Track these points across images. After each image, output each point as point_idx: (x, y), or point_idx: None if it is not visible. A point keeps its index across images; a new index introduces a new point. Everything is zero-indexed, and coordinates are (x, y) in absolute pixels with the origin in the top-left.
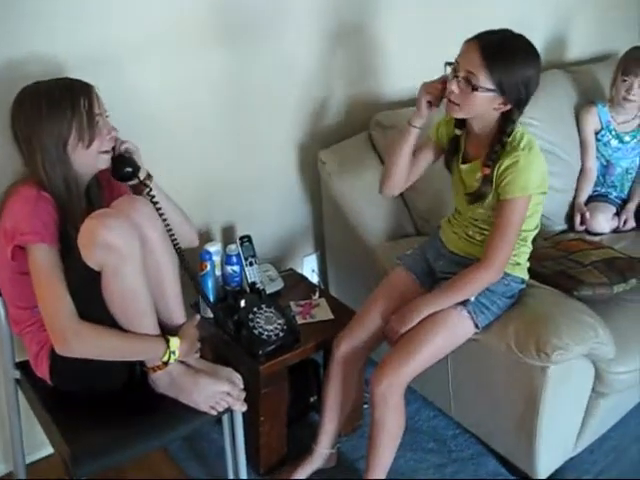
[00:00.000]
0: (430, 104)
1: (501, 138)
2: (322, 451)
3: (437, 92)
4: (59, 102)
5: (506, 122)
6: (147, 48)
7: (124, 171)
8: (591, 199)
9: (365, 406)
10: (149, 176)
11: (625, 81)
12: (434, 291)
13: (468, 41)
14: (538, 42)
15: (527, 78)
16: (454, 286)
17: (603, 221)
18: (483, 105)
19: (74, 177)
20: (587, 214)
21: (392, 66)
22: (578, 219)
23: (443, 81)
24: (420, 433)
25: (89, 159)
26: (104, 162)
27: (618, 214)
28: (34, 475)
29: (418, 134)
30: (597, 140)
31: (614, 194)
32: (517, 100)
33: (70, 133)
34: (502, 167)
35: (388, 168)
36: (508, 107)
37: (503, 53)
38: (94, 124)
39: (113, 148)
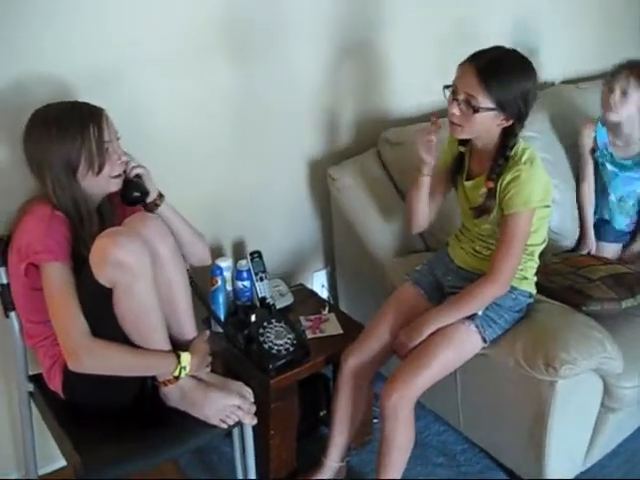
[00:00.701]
0: (430, 149)
1: (504, 152)
2: (331, 464)
3: (432, 135)
4: (68, 129)
5: (508, 136)
6: (155, 66)
7: (132, 196)
8: (597, 227)
9: (375, 421)
10: (160, 196)
11: (606, 91)
12: (442, 305)
13: (463, 64)
14: (545, 59)
15: (525, 92)
16: (461, 300)
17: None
18: (485, 124)
19: (84, 199)
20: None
21: (399, 82)
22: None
23: (435, 122)
24: (429, 447)
25: (99, 184)
26: (115, 185)
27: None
28: None
29: (429, 180)
30: (595, 161)
31: (616, 225)
32: (518, 115)
33: (79, 161)
34: (504, 182)
35: (410, 214)
36: (510, 122)
37: (499, 71)
38: (103, 152)
39: (124, 171)
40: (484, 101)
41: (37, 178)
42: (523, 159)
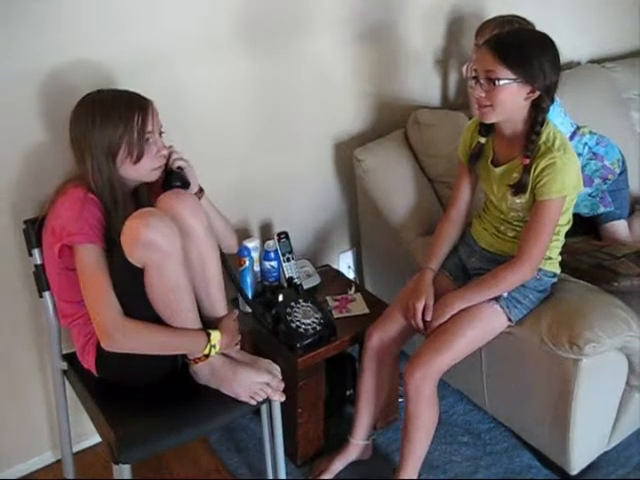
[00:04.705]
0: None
1: (535, 126)
2: (357, 443)
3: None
4: (113, 115)
5: (537, 111)
6: (186, 55)
7: (173, 185)
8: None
9: (400, 400)
10: (201, 190)
11: None
12: (467, 286)
13: (479, 48)
14: (572, 38)
15: (543, 61)
16: (487, 283)
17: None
18: (511, 98)
19: (121, 184)
20: None
21: (423, 64)
22: None
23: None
24: (455, 426)
25: (137, 173)
26: (154, 176)
27: None
28: (81, 463)
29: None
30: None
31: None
32: (543, 85)
33: (120, 147)
34: (538, 168)
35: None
36: (537, 94)
37: (512, 44)
38: (144, 141)
39: (167, 162)
40: (502, 72)
41: (78, 159)
42: (556, 145)
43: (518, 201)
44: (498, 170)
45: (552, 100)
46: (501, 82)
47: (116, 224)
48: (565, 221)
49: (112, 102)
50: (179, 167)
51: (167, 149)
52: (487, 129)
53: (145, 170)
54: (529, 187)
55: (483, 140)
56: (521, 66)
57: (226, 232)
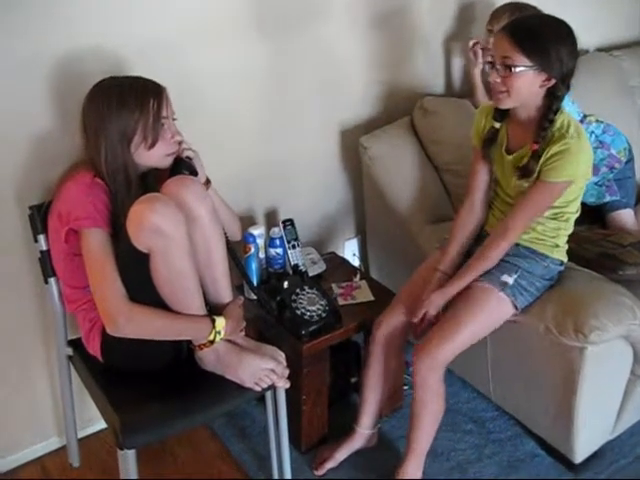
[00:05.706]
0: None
1: (548, 115)
2: (363, 431)
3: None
4: (129, 101)
5: (552, 99)
6: (194, 42)
7: (180, 173)
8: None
9: (405, 387)
10: (208, 181)
11: None
12: (458, 271)
13: (497, 33)
14: (580, 27)
15: (561, 49)
16: (474, 266)
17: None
18: (527, 85)
19: (134, 169)
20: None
21: (431, 52)
22: None
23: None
24: (459, 414)
25: (151, 158)
26: (167, 162)
27: None
28: (86, 448)
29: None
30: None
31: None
32: (560, 74)
33: (135, 132)
34: (550, 153)
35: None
36: (553, 82)
37: (530, 31)
38: (159, 126)
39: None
40: (519, 59)
41: (91, 148)
42: (570, 131)
43: (526, 185)
44: (511, 157)
45: (568, 88)
46: (517, 69)
47: (124, 209)
48: (574, 209)
49: (128, 88)
50: (187, 157)
51: (180, 136)
52: (502, 114)
53: (159, 156)
54: (536, 172)
55: (497, 125)
56: (538, 53)
57: (230, 221)
